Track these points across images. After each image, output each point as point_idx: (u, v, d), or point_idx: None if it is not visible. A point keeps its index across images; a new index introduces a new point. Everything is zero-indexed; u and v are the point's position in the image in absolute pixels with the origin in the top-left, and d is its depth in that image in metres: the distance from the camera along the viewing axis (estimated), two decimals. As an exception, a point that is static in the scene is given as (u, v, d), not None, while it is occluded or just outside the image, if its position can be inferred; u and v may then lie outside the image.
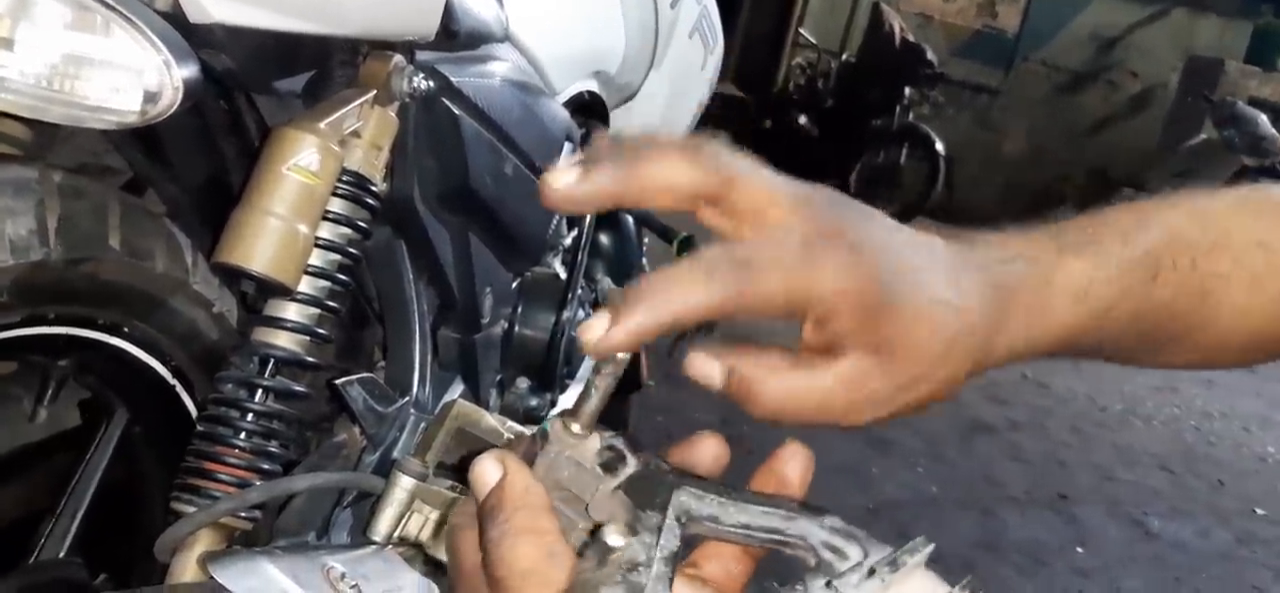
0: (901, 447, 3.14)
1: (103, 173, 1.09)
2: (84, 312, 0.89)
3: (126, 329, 0.94)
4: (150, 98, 0.64)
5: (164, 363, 0.99)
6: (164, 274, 0.95)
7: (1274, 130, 6.87)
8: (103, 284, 0.89)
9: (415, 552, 0.86)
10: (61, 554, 0.97)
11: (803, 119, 7.65)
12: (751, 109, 7.87)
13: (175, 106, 0.65)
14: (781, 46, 8.52)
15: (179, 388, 1.02)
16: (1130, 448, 3.63)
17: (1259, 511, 3.25)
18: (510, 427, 1.00)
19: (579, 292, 1.67)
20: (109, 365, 0.97)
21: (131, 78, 0.63)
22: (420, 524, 0.86)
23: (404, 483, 0.85)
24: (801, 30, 8.38)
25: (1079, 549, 2.76)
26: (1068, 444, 3.54)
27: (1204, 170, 6.90)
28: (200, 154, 1.12)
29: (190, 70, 0.66)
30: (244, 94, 1.09)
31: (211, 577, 0.73)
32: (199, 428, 0.94)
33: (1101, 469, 3.37)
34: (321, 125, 0.96)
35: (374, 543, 0.84)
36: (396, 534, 0.84)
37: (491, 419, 1.00)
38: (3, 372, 1.03)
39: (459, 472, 0.92)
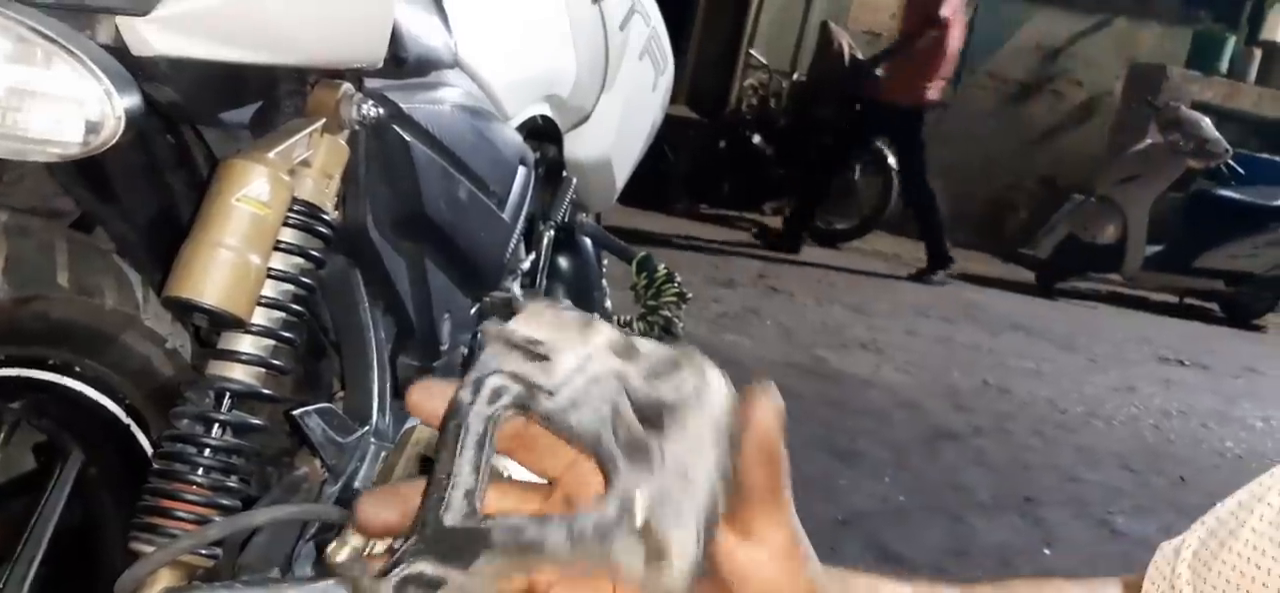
0: (868, 457, 3.16)
1: (50, 215, 1.07)
2: (34, 352, 0.88)
3: (78, 369, 0.93)
4: (92, 129, 0.63)
5: (117, 402, 0.98)
6: (114, 310, 0.94)
7: (1217, 133, 7.02)
8: (52, 323, 0.88)
9: None
10: (18, 601, 0.95)
11: (757, 139, 7.70)
12: (705, 130, 7.92)
13: (117, 136, 0.65)
14: (733, 68, 8.59)
15: (133, 427, 1.01)
16: (1092, 449, 3.67)
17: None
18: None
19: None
20: (62, 407, 0.95)
21: (73, 109, 0.62)
22: (351, 557, 0.84)
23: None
24: (752, 51, 8.45)
25: (1047, 551, 2.79)
26: (1031, 448, 3.57)
27: (1151, 174, 7.03)
28: (147, 189, 1.11)
29: (131, 100, 0.66)
30: (190, 127, 1.09)
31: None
32: (155, 465, 0.93)
33: (1065, 471, 3.40)
34: (270, 155, 0.96)
35: (336, 576, 0.83)
36: (375, 569, 0.83)
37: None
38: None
39: None
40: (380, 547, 0.91)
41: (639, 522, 0.40)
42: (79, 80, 0.62)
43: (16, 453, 1.04)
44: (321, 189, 1.04)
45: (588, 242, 2.27)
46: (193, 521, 0.90)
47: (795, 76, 8.38)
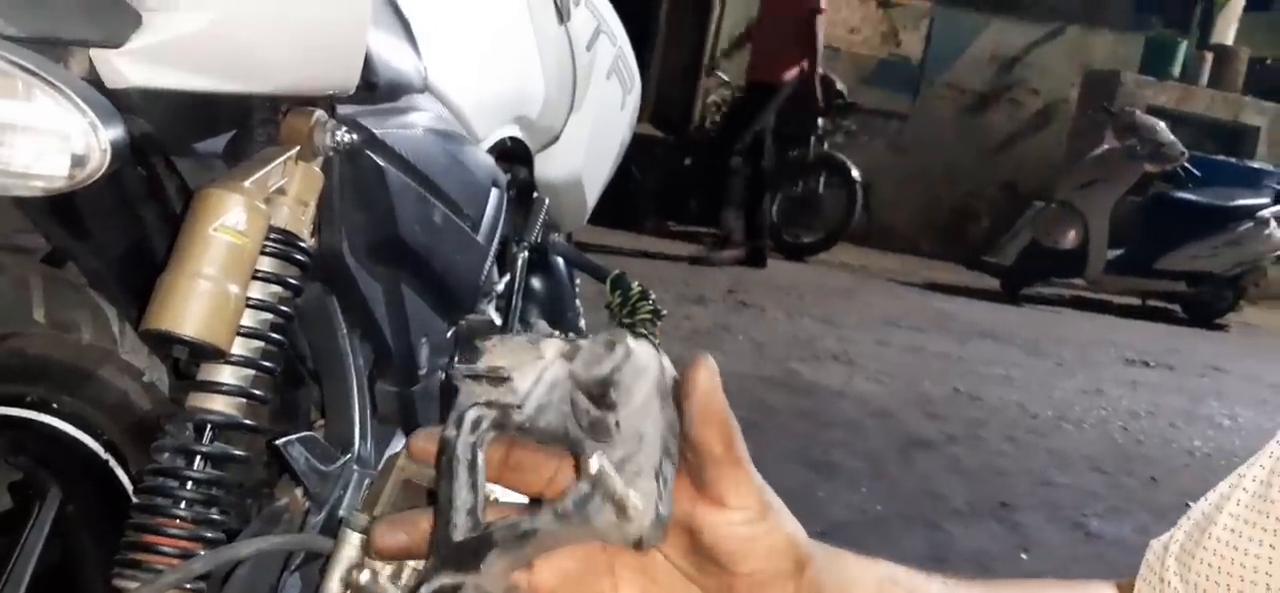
0: (844, 469, 3.17)
1: (15, 251, 1.06)
2: (12, 389, 0.87)
3: (56, 405, 0.92)
4: (78, 162, 0.63)
5: (96, 438, 0.97)
6: (91, 345, 0.93)
7: (1173, 136, 7.14)
8: (29, 359, 0.87)
9: None
10: (-1, 645, 0.94)
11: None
12: (671, 147, 7.95)
13: (103, 169, 0.64)
14: (696, 85, 8.64)
15: (112, 463, 1.00)
16: (1064, 452, 3.71)
17: (1192, 504, 3.33)
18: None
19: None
20: (39, 444, 0.94)
21: (57, 142, 0.61)
22: (370, 580, 0.85)
23: (352, 539, 0.83)
24: (718, 72, 8.51)
25: (1023, 555, 2.81)
26: (1004, 453, 3.60)
27: (1109, 178, 7.14)
28: (120, 223, 1.10)
29: (117, 132, 0.65)
30: (162, 159, 1.08)
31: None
32: (137, 500, 0.91)
33: (1038, 475, 3.43)
34: (246, 184, 0.95)
35: None
36: None
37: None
38: (-75, 462, 1.00)
39: None
40: (365, 574, 0.90)
41: (610, 488, 0.46)
42: (63, 113, 0.61)
43: (-8, 493, 1.02)
44: (297, 217, 1.03)
45: (561, 262, 2.26)
46: (177, 555, 0.89)
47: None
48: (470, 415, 0.51)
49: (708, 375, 0.47)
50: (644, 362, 0.49)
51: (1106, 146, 7.40)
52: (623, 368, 0.48)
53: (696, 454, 0.47)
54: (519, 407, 0.50)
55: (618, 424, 0.48)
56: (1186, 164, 7.22)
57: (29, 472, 0.99)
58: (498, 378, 0.51)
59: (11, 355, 0.85)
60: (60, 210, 1.10)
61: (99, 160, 0.63)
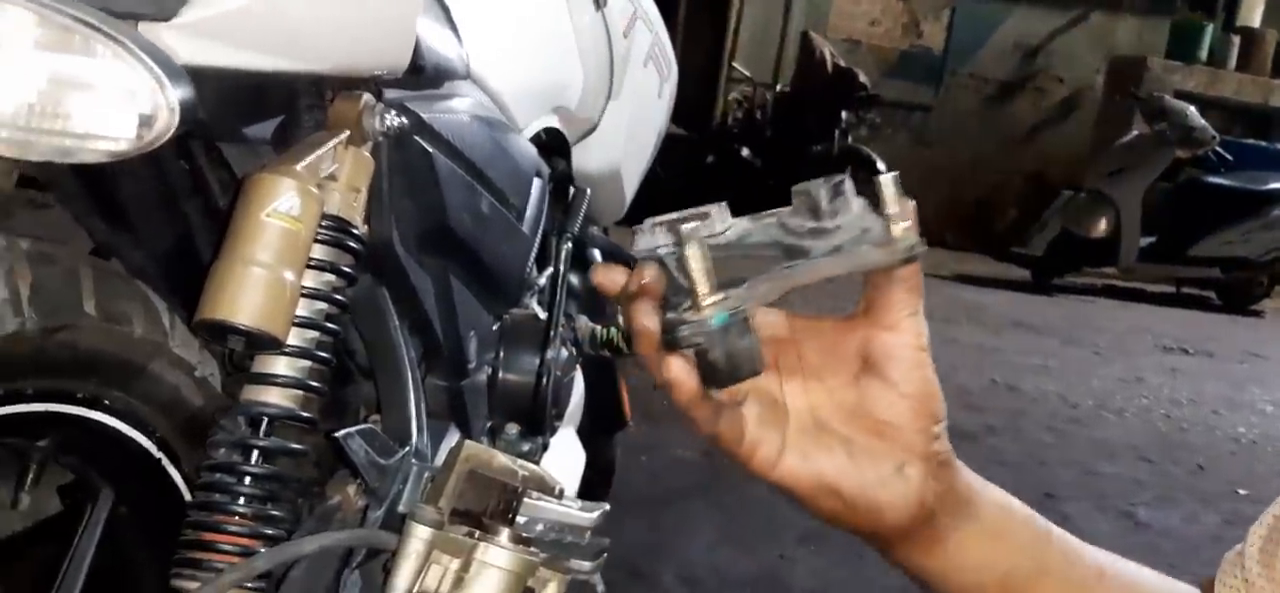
0: (884, 462, 3.12)
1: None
2: (62, 385, 0.83)
3: (107, 401, 0.89)
4: (145, 122, 0.59)
5: (148, 435, 0.94)
6: (142, 339, 0.90)
7: (1203, 120, 7.05)
8: (80, 353, 0.83)
9: None
10: (55, 650, 0.90)
11: (745, 151, 7.70)
12: (693, 145, 7.91)
13: (172, 131, 0.60)
14: (717, 82, 8.60)
15: (165, 461, 0.96)
16: (1107, 442, 3.65)
17: (1241, 491, 3.27)
18: (522, 466, 0.96)
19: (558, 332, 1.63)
20: (91, 443, 0.91)
21: (124, 101, 0.58)
22: (439, 577, 0.81)
23: (420, 534, 0.80)
24: (735, 64, 8.46)
25: (1072, 545, 2.75)
26: (1046, 444, 3.54)
27: (1140, 165, 7.05)
28: (163, 217, 1.07)
29: (185, 92, 0.62)
30: (205, 149, 1.05)
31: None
32: (194, 497, 0.88)
33: (1082, 465, 3.37)
34: (298, 168, 0.91)
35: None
36: (416, 589, 0.80)
37: (503, 459, 0.95)
38: (-26, 463, 0.97)
39: (474, 518, 0.87)
40: (434, 570, 0.85)
41: (887, 204, 0.52)
42: (129, 70, 0.58)
43: (44, 495, 0.99)
44: (349, 203, 0.99)
45: (598, 255, 2.23)
46: (237, 553, 0.85)
47: (779, 87, 8.39)
48: (685, 227, 0.54)
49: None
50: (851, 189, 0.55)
51: (1135, 133, 7.31)
52: (841, 186, 0.54)
53: (886, 275, 0.54)
54: (723, 232, 0.56)
55: (839, 227, 0.53)
56: (1217, 148, 7.13)
57: (79, 472, 0.96)
58: (695, 217, 0.56)
59: (61, 349, 0.82)
60: (103, 204, 1.07)
61: (167, 121, 0.60)
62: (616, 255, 2.19)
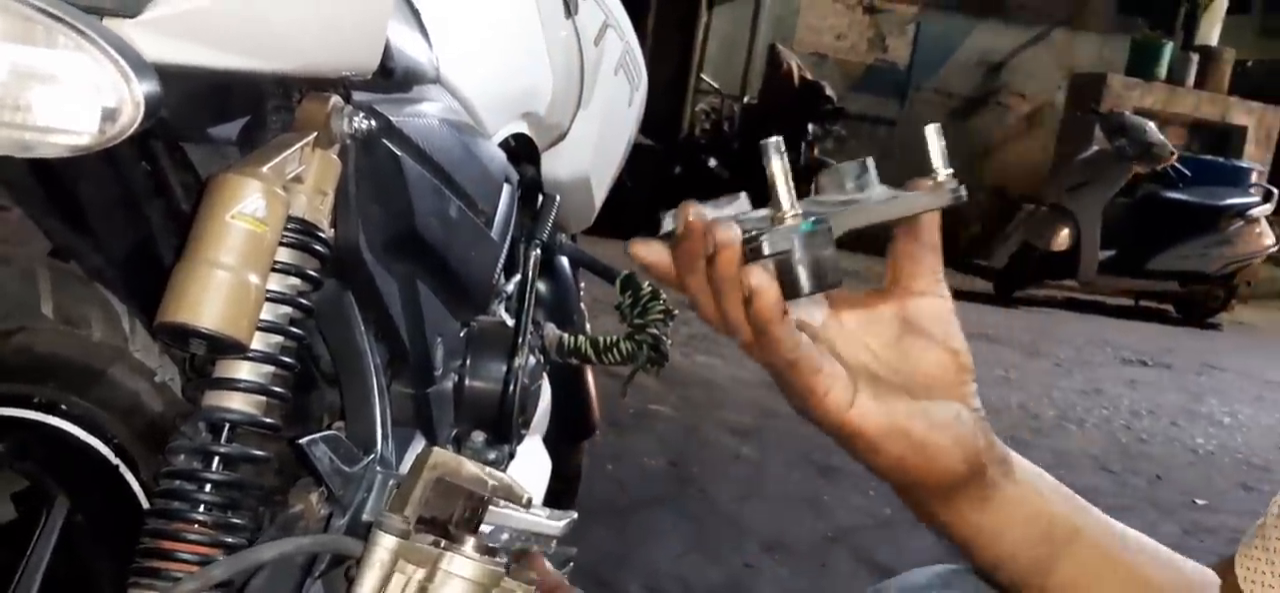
0: (849, 472, 3.13)
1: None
2: (18, 389, 0.81)
3: (64, 406, 0.87)
4: (108, 116, 0.57)
5: (106, 441, 0.91)
6: (101, 343, 0.88)
7: (1162, 136, 7.15)
8: (37, 357, 0.81)
9: None
10: (7, 662, 0.88)
11: (712, 162, 7.72)
12: (661, 156, 7.91)
13: (135, 125, 0.59)
14: (685, 93, 8.62)
15: (123, 468, 0.94)
16: (1068, 452, 3.68)
17: (1199, 501, 3.31)
18: (493, 474, 0.94)
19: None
20: (46, 449, 0.88)
21: (87, 95, 0.56)
22: (402, 585, 0.80)
23: (386, 542, 0.79)
24: (703, 76, 8.49)
25: (1034, 555, 2.77)
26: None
27: (1099, 180, 7.14)
28: (123, 220, 1.05)
29: (150, 85, 0.60)
30: (167, 150, 1.03)
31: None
32: (153, 505, 0.86)
33: (1044, 475, 3.39)
34: (264, 170, 0.90)
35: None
36: None
37: (471, 466, 0.93)
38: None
39: (439, 527, 0.86)
40: (397, 579, 0.84)
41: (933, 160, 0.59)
42: (93, 63, 0.56)
43: (-5, 503, 0.96)
44: (316, 206, 0.98)
45: (565, 263, 2.22)
46: (196, 562, 0.83)
47: (746, 99, 8.43)
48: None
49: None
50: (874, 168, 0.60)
51: (1096, 148, 7.41)
52: (866, 164, 0.58)
53: (914, 243, 0.60)
54: (756, 209, 0.58)
55: (870, 197, 0.57)
56: (1176, 164, 7.23)
57: (35, 479, 0.93)
58: (725, 201, 0.59)
59: (17, 353, 0.80)
60: (62, 205, 1.04)
61: (132, 115, 0.58)
62: (586, 263, 2.18)
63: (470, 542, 0.79)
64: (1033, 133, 9.44)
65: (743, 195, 0.61)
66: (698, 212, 0.56)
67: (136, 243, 1.05)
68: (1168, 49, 8.84)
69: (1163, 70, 8.74)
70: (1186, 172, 7.32)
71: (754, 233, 0.55)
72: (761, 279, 0.53)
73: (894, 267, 0.60)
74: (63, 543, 0.93)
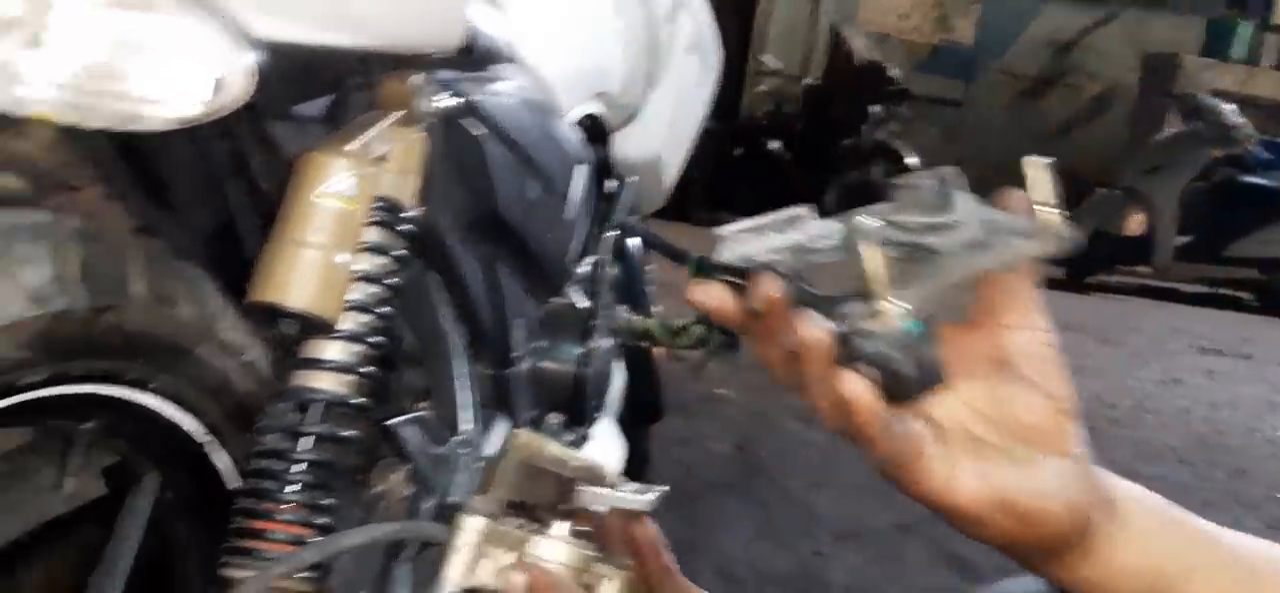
0: (919, 460, 3.07)
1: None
2: (109, 366, 0.81)
3: (154, 384, 0.86)
4: (219, 86, 0.56)
5: (195, 419, 0.91)
6: (191, 321, 0.87)
7: (1240, 118, 6.93)
8: (128, 335, 0.81)
9: None
10: (100, 638, 0.88)
11: (773, 145, 7.64)
12: (720, 139, 7.85)
13: (245, 96, 0.57)
14: (744, 75, 8.54)
15: (211, 446, 0.94)
16: (1147, 443, 3.58)
17: (1280, 496, 3.21)
18: (573, 456, 0.91)
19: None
20: (136, 426, 0.88)
21: (195, 65, 0.55)
22: (491, 571, 0.77)
23: (473, 525, 0.76)
24: (763, 57, 8.40)
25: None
26: (1087, 444, 3.48)
27: (1176, 163, 6.94)
28: (205, 199, 1.05)
29: (258, 55, 0.59)
30: (250, 132, 1.02)
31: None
32: (244, 484, 0.85)
33: (1123, 467, 3.24)
34: (352, 148, 0.89)
35: None
36: (469, 584, 0.76)
37: (555, 448, 0.90)
38: (18, 443, 0.94)
39: (527, 510, 0.84)
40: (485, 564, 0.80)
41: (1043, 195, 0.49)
42: (201, 32, 0.55)
43: (85, 479, 0.96)
44: (401, 185, 0.97)
45: (634, 245, 2.20)
46: (287, 542, 0.83)
47: (807, 80, 8.33)
48: (762, 256, 0.52)
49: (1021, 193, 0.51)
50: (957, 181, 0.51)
51: (1171, 130, 7.21)
52: (948, 180, 0.50)
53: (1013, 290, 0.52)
54: (826, 235, 0.51)
55: (959, 221, 0.49)
56: (1254, 147, 7.01)
57: (125, 456, 0.93)
58: (784, 222, 0.53)
59: (109, 331, 0.79)
60: (145, 185, 1.04)
61: (242, 86, 0.57)
62: (656, 244, 2.15)
63: (559, 526, 0.76)
64: (1104, 115, 9.21)
65: (807, 214, 0.55)
66: (779, 287, 0.50)
67: (218, 223, 1.05)
68: (1245, 29, 8.57)
69: (1240, 51, 8.48)
70: (1266, 155, 7.08)
71: (845, 327, 0.49)
72: (858, 390, 0.48)
73: (985, 296, 0.53)
74: (152, 520, 0.93)
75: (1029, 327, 0.52)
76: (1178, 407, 4.12)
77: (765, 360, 0.53)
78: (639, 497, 0.86)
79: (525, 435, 0.90)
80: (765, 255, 0.54)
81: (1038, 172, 0.50)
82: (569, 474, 0.87)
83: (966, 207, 0.52)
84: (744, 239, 0.55)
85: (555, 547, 0.74)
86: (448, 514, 0.93)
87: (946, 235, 0.51)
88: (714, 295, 0.53)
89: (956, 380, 0.53)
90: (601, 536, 0.83)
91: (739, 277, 0.54)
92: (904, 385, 0.49)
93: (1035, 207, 0.49)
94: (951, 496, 0.51)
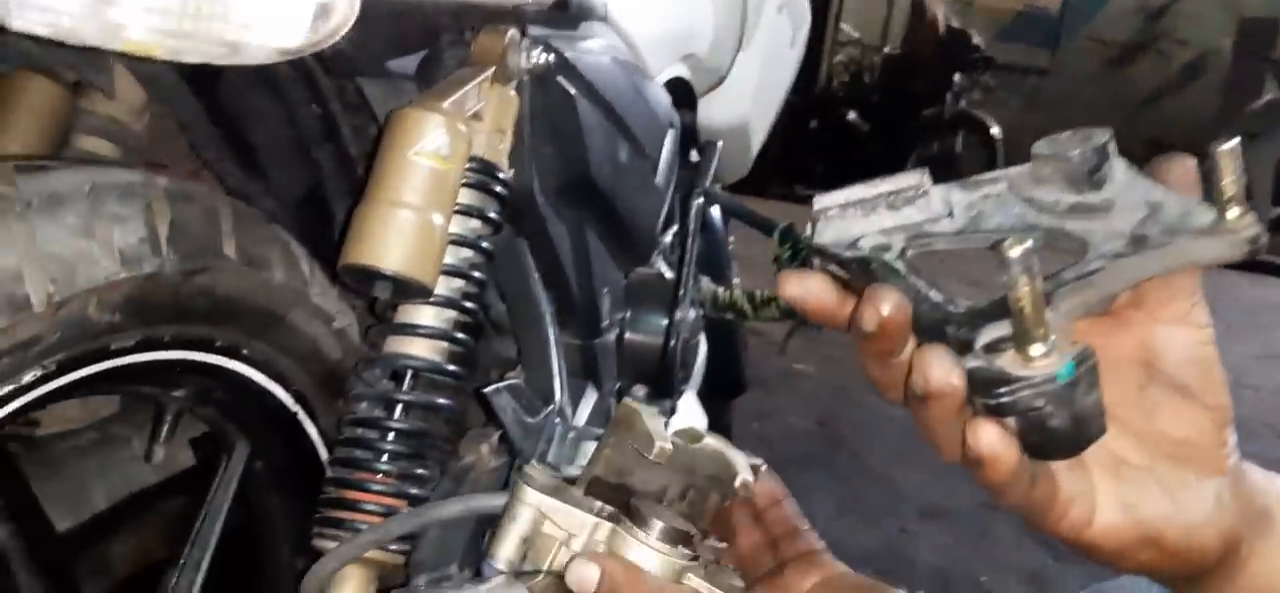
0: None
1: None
2: (200, 332, 0.78)
3: (245, 351, 0.84)
4: (322, 13, 0.53)
5: (285, 387, 0.88)
6: (283, 286, 0.84)
7: (1343, 84, 6.63)
8: (219, 299, 0.78)
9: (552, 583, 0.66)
10: (191, 609, 0.86)
11: (851, 115, 7.50)
12: (797, 110, 7.73)
13: (348, 24, 0.54)
14: (822, 44, 8.39)
15: (301, 415, 0.91)
16: (1246, 420, 3.43)
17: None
18: (666, 434, 0.83)
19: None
20: (227, 394, 0.86)
21: (293, -7, 0.52)
22: (551, 552, 0.66)
23: (528, 497, 0.66)
24: (842, 26, 8.24)
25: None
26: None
27: (1271, 131, 6.68)
28: (295, 163, 1.02)
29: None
30: (338, 94, 0.99)
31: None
32: (335, 454, 0.83)
33: (1220, 444, 3.18)
34: (446, 105, 0.85)
35: (520, 575, 0.68)
36: (544, 565, 0.65)
37: (649, 422, 0.81)
38: (105, 411, 0.93)
39: (622, 493, 0.75)
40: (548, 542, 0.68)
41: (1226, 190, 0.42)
42: (301, -40, 0.51)
43: (175, 448, 0.95)
44: (495, 145, 0.93)
45: (716, 214, 2.14)
46: (380, 513, 0.80)
47: (887, 50, 8.16)
48: (870, 241, 0.44)
49: (1187, 162, 0.45)
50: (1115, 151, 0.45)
51: (1268, 97, 6.92)
52: (1105, 148, 0.44)
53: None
54: (949, 215, 0.46)
55: (1113, 202, 0.43)
56: (1358, 115, 6.71)
57: (215, 425, 0.91)
58: (896, 193, 0.46)
59: (200, 294, 0.77)
60: (234, 148, 1.02)
61: (345, 13, 0.53)
62: (740, 213, 2.09)
63: (655, 526, 0.64)
64: (1196, 82, 8.88)
65: (921, 182, 0.46)
66: (898, 304, 0.42)
67: (307, 187, 1.02)
68: (1349, -10, 8.19)
69: (1344, 13, 8.11)
70: (1370, 122, 6.77)
71: (983, 364, 0.40)
72: (997, 449, 0.40)
73: (1139, 286, 0.45)
74: (242, 490, 0.91)
75: (1187, 323, 0.45)
76: (1276, 382, 3.96)
77: (874, 381, 0.45)
78: (741, 456, 0.75)
79: (629, 406, 0.79)
80: (874, 238, 0.46)
81: (1225, 157, 0.42)
82: (652, 455, 0.74)
83: (1123, 180, 0.45)
84: (847, 217, 0.47)
85: (640, 550, 0.63)
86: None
87: (1100, 221, 0.43)
88: (813, 290, 0.45)
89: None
90: (721, 521, 0.75)
91: (841, 266, 0.46)
92: (1056, 442, 0.41)
93: (1224, 197, 0.41)
94: (1089, 535, 0.44)
